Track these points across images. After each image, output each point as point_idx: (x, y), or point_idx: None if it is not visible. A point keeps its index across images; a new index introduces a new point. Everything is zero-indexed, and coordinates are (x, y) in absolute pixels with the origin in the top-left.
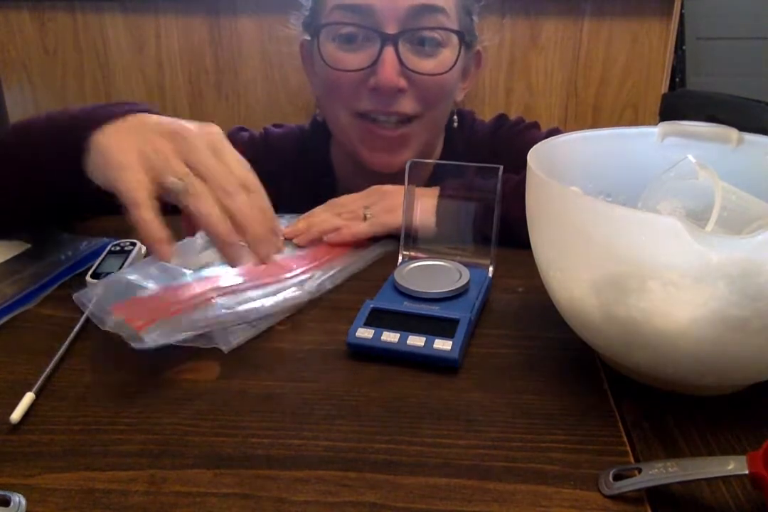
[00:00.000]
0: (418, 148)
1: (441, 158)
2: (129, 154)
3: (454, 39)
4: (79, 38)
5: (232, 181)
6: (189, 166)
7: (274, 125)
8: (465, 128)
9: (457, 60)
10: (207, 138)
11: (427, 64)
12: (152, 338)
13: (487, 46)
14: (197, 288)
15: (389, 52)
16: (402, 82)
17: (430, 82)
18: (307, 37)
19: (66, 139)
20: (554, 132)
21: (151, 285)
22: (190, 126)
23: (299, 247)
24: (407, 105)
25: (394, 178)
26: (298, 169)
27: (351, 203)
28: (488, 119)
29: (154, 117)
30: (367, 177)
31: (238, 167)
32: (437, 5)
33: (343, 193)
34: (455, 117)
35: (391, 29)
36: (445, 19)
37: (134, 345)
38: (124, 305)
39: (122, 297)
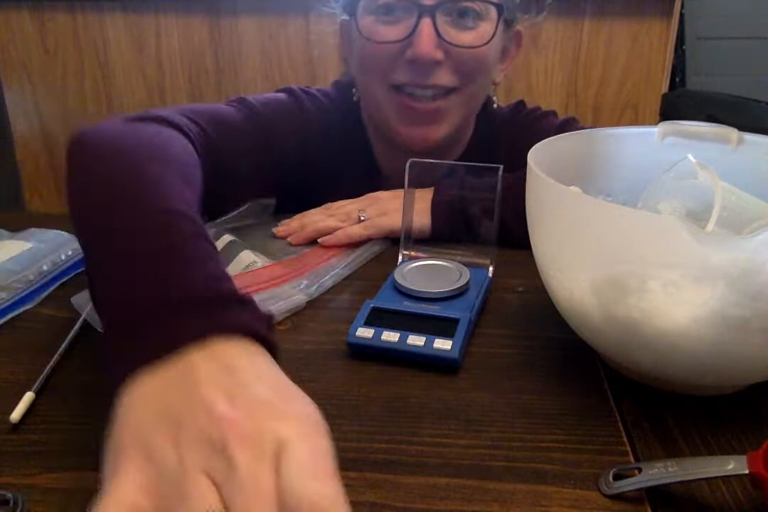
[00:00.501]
0: (454, 124)
1: (470, 141)
2: (133, 456)
3: (493, 12)
4: (79, 38)
5: None
6: (219, 490)
7: (311, 90)
8: (485, 113)
9: (494, 33)
10: (271, 442)
11: (465, 37)
12: None
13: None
14: None
15: (426, 23)
16: (439, 54)
17: (468, 54)
18: (346, 17)
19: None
20: (571, 121)
21: None
22: (246, 402)
23: (293, 246)
24: (444, 77)
25: (429, 156)
26: (340, 147)
27: (345, 206)
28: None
29: (224, 362)
30: (399, 154)
31: (311, 500)
32: None
33: (384, 172)
34: (495, 98)
35: (429, 0)
36: None
37: None
38: None
39: None
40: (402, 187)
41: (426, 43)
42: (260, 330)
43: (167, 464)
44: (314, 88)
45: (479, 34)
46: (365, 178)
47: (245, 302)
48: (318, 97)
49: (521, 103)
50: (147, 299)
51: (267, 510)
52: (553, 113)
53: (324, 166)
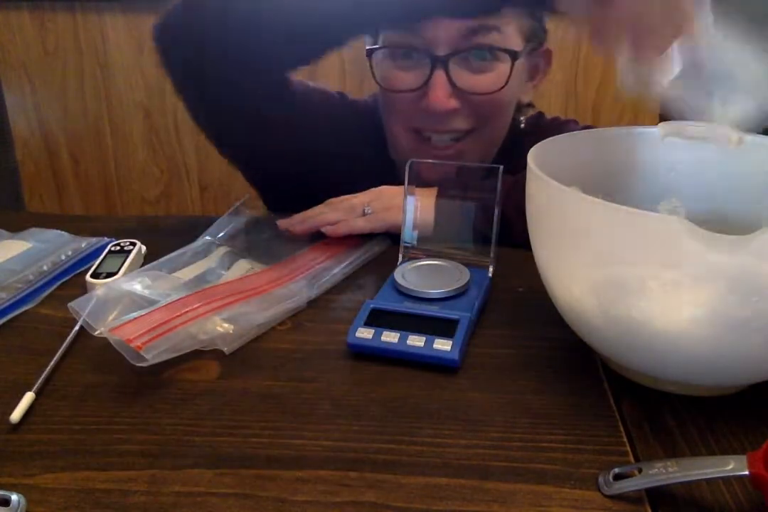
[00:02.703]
0: (474, 162)
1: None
2: None
3: (508, 56)
4: (79, 38)
5: None
6: None
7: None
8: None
9: (509, 78)
10: None
11: (480, 81)
12: (153, 356)
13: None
14: (195, 302)
15: (439, 75)
16: (453, 103)
17: (484, 99)
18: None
19: None
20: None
21: (147, 294)
22: None
23: (292, 234)
24: (461, 122)
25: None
26: (375, 140)
27: (350, 199)
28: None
29: None
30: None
31: None
32: (490, 24)
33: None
34: (522, 118)
35: (442, 49)
36: (498, 37)
37: (136, 363)
38: (122, 326)
39: (117, 306)
40: None
41: (440, 95)
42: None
43: None
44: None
45: (495, 77)
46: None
47: None
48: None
49: (542, 114)
50: None
51: None
52: (574, 121)
53: (342, 171)
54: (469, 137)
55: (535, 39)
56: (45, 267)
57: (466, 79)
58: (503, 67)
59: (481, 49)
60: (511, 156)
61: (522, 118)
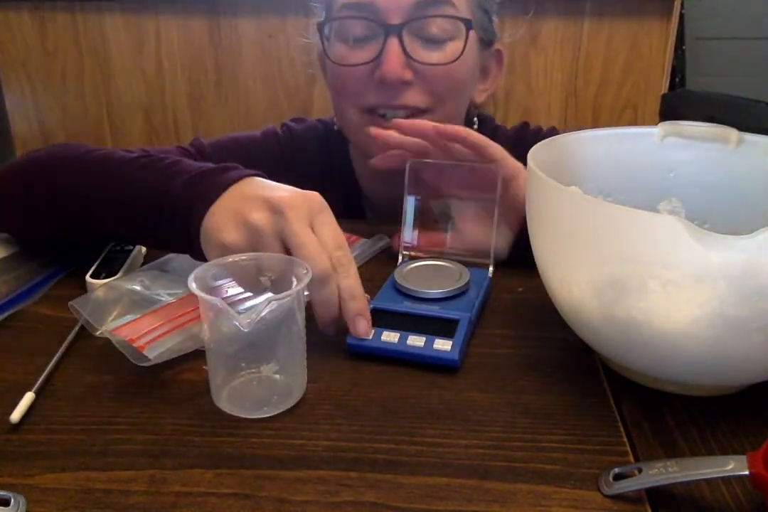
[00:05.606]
0: None
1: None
2: (231, 233)
3: (463, 30)
4: (79, 38)
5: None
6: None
7: (293, 120)
8: (486, 134)
9: (464, 48)
10: (307, 207)
11: (434, 55)
12: (155, 356)
13: (510, 42)
14: (196, 302)
15: (393, 43)
16: (407, 74)
17: (438, 73)
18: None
19: (171, 223)
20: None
21: (147, 294)
22: (289, 195)
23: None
24: (415, 97)
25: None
26: (323, 165)
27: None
28: (509, 126)
29: (253, 185)
30: (383, 179)
31: (331, 242)
32: None
33: (365, 192)
34: (475, 119)
35: (395, 20)
36: (452, 10)
37: (138, 363)
38: (125, 326)
39: (117, 306)
40: (383, 207)
41: (393, 62)
42: (256, 173)
43: (251, 234)
44: (296, 123)
45: (449, 52)
46: (345, 200)
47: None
48: (294, 119)
49: (527, 125)
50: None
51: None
52: (556, 130)
53: (304, 173)
54: (424, 117)
55: (486, 35)
56: (42, 266)
57: (421, 52)
58: (458, 43)
59: (434, 17)
60: None
61: (474, 119)
